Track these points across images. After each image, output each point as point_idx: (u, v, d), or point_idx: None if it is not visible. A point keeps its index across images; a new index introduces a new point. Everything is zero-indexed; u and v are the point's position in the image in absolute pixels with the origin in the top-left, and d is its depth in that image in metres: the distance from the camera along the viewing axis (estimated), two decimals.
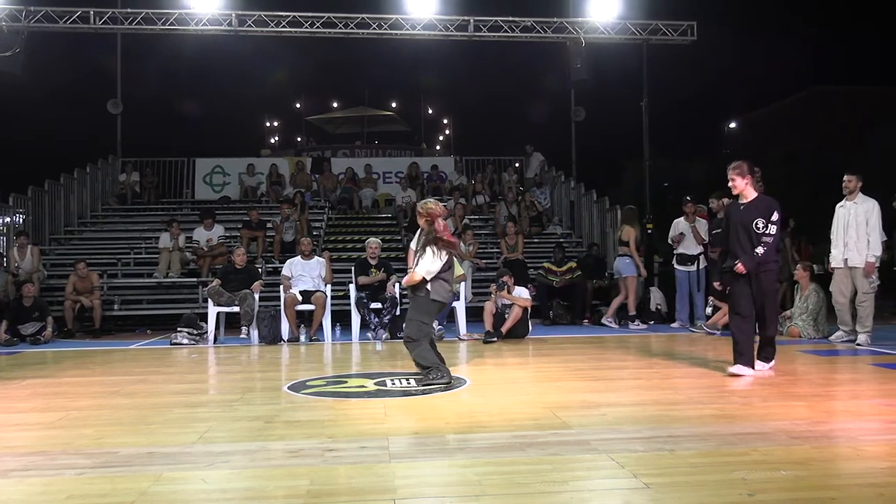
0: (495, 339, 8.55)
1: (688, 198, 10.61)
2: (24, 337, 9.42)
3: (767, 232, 5.62)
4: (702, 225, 10.29)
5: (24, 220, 12.89)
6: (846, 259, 7.83)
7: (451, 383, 5.29)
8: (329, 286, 9.47)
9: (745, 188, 5.80)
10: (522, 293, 9.02)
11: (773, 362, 5.87)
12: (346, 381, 5.72)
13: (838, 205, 8.02)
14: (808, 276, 8.88)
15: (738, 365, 5.60)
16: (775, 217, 5.65)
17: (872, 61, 49.93)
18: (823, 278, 8.98)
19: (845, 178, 7.90)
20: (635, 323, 10.40)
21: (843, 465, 3.17)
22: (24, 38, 12.82)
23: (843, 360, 6.80)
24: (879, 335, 8.20)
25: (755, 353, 5.74)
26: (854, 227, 7.75)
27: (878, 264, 7.84)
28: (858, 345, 7.64)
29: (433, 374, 5.31)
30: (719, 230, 9.57)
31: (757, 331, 5.89)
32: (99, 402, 4.90)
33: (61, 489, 2.89)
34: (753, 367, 5.64)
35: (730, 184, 5.87)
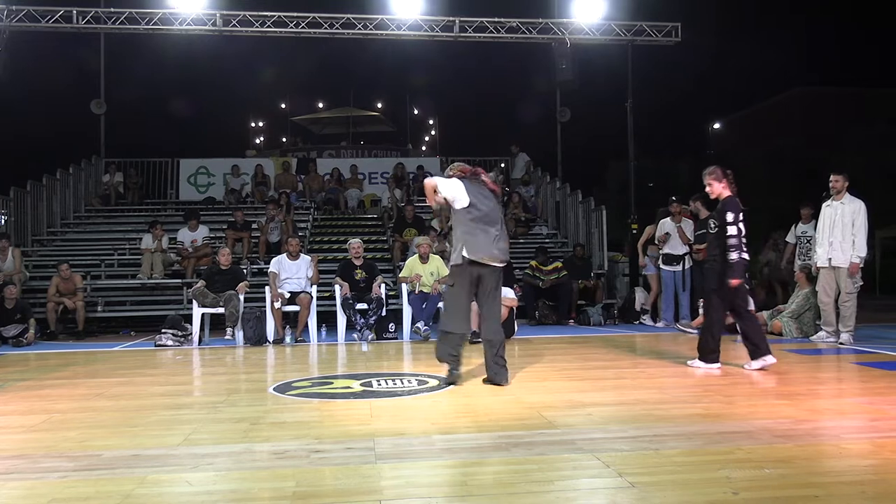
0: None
1: (673, 198, 10.69)
2: (7, 339, 9.33)
3: (729, 234, 5.81)
4: (688, 225, 10.36)
5: (5, 222, 12.75)
6: (830, 259, 7.87)
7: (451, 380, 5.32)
8: (315, 287, 9.44)
9: (721, 191, 6.04)
10: (508, 293, 9.02)
11: (711, 364, 6.03)
12: (332, 383, 5.70)
13: (825, 204, 8.04)
14: (803, 276, 8.93)
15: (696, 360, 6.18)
16: (730, 217, 5.83)
17: (855, 62, 50.41)
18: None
19: (832, 177, 7.90)
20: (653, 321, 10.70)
21: (826, 463, 3.19)
22: (6, 38, 12.71)
23: (827, 359, 6.86)
24: (862, 334, 8.28)
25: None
26: (840, 227, 7.77)
27: (862, 265, 7.89)
28: (841, 344, 7.70)
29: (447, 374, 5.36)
30: (703, 231, 9.69)
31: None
32: (82, 405, 4.86)
33: (44, 493, 2.87)
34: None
35: (707, 189, 6.12)
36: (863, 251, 7.75)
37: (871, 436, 3.64)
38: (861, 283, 7.99)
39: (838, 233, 7.77)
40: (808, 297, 8.66)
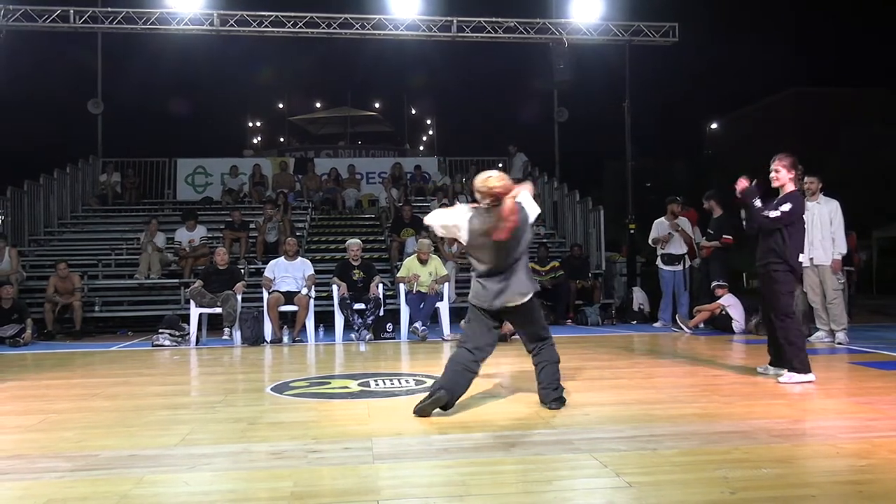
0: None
1: (678, 198, 10.70)
2: (4, 339, 9.30)
3: (772, 216, 5.27)
4: (686, 224, 10.37)
5: (2, 221, 12.74)
6: (812, 258, 7.97)
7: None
8: (312, 287, 9.43)
9: (787, 182, 5.45)
10: None
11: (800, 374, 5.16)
12: (330, 383, 5.70)
13: None
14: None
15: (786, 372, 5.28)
16: (786, 207, 5.31)
17: (851, 63, 50.49)
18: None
19: (806, 179, 8.04)
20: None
21: (822, 463, 3.20)
22: (3, 37, 12.69)
23: (822, 359, 6.85)
24: (859, 334, 8.30)
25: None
26: (819, 227, 7.96)
27: (842, 261, 8.10)
28: (839, 343, 7.74)
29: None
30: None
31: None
32: (79, 405, 4.85)
33: (41, 493, 2.86)
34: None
35: (773, 174, 5.49)
36: (843, 248, 8.03)
37: (867, 435, 3.64)
38: (843, 280, 8.18)
39: (818, 232, 7.97)
40: None
